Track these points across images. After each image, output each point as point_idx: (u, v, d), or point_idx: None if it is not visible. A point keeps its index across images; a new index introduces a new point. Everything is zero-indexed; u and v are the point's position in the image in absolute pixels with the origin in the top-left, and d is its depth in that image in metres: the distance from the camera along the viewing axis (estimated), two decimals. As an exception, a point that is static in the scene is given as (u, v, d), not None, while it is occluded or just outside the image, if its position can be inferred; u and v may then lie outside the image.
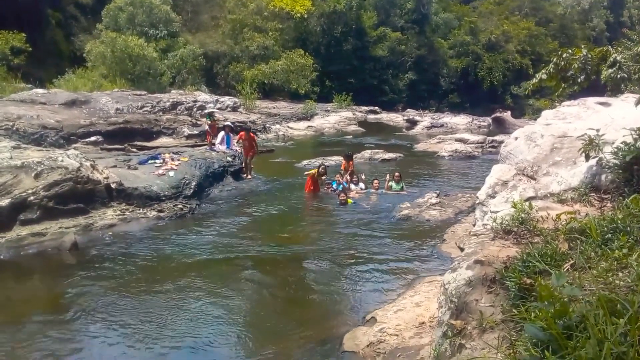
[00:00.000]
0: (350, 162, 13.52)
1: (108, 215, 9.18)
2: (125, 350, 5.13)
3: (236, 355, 5.18)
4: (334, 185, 12.79)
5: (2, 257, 7.57)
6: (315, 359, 5.10)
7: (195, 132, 20.03)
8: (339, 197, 11.58)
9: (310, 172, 12.81)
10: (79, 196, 8.95)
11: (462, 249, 5.44)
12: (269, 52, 36.88)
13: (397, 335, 5.10)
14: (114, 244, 8.37)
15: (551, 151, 6.49)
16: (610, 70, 11.44)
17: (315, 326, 5.80)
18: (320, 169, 12.71)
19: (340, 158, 14.45)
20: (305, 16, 39.83)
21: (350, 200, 11.59)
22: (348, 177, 13.05)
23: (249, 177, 13.84)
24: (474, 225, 7.21)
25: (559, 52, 12.21)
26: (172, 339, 5.35)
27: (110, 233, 8.78)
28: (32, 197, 8.36)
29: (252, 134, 15.25)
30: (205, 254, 8.11)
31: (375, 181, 13.24)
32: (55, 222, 8.45)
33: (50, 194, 8.54)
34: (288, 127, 27.91)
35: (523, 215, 3.91)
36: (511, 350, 2.33)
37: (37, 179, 8.62)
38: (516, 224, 3.86)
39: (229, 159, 13.58)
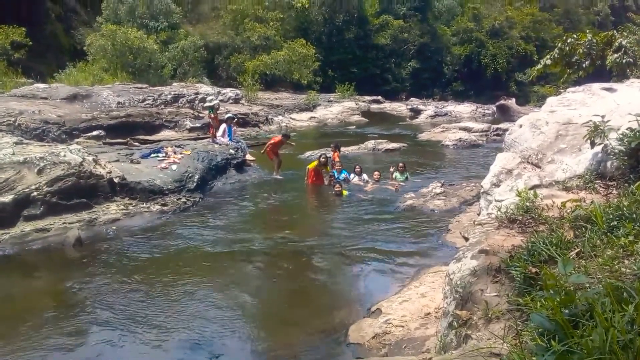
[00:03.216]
0: (335, 152, 13.31)
1: (111, 210, 9.18)
2: (132, 344, 5.15)
3: (242, 347, 5.19)
4: (335, 175, 12.72)
5: (6, 252, 7.58)
6: (321, 351, 5.09)
7: (198, 124, 19.96)
8: (334, 187, 11.51)
9: (312, 163, 12.74)
10: (82, 191, 8.95)
11: (466, 239, 5.41)
12: (271, 42, 36.67)
13: (402, 326, 5.09)
14: (117, 239, 8.37)
15: (556, 138, 6.43)
16: (615, 55, 11.36)
17: (320, 318, 5.80)
18: (321, 159, 12.62)
19: (345, 149, 14.31)
20: (306, 5, 39.58)
21: (345, 192, 11.49)
22: (339, 167, 12.99)
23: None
24: (478, 214, 7.19)
25: (564, 38, 12.11)
26: (179, 331, 5.36)
27: (114, 228, 8.78)
28: (35, 193, 8.36)
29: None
30: (209, 247, 8.11)
31: (376, 173, 13.14)
32: (59, 218, 8.45)
33: (53, 189, 8.54)
34: (291, 118, 27.81)
35: (528, 203, 3.88)
36: (517, 340, 2.31)
37: (40, 175, 8.62)
38: (521, 212, 3.83)
39: (231, 151, 13.55)
